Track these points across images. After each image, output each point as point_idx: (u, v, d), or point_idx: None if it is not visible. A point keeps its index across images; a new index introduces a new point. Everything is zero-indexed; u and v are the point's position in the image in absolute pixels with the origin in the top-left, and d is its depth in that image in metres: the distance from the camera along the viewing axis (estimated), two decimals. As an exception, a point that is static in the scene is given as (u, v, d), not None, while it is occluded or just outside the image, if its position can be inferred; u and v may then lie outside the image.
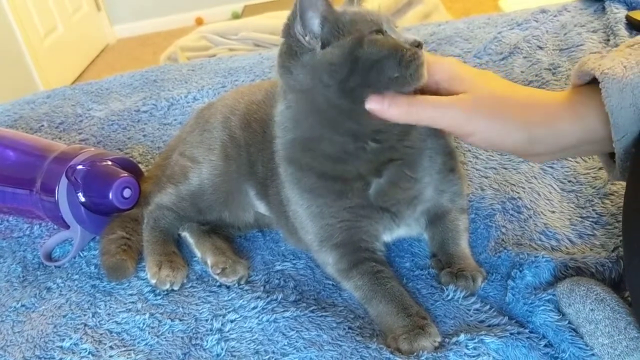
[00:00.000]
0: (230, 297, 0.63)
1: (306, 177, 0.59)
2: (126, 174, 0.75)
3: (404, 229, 0.65)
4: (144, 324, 0.62)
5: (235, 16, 3.89)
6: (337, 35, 0.54)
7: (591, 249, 0.60)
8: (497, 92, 0.53)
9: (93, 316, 0.64)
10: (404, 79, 0.53)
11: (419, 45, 0.54)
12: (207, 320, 0.60)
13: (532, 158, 0.56)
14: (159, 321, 0.62)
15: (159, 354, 0.58)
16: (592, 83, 0.50)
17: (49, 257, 0.77)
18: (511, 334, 0.52)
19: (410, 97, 0.53)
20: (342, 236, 0.61)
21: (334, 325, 0.57)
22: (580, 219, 0.64)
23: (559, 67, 0.93)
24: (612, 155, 0.54)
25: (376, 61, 0.52)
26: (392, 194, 0.59)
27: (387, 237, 0.65)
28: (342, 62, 0.53)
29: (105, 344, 0.60)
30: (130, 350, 0.59)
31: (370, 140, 0.57)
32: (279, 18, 2.18)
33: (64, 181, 0.74)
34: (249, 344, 0.57)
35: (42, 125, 1.10)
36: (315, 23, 0.54)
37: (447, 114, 0.53)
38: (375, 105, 0.53)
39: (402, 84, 0.53)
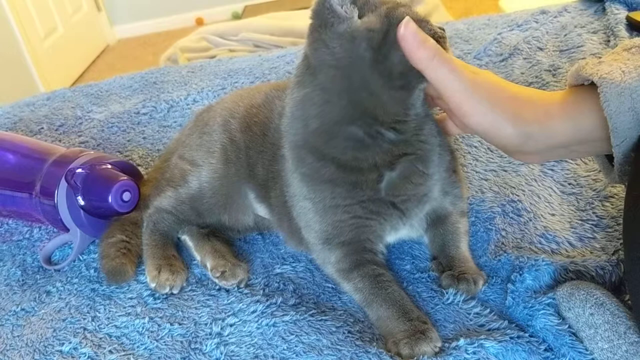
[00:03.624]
0: (229, 301, 0.63)
1: (325, 167, 0.59)
2: (125, 177, 0.75)
3: (407, 230, 0.65)
4: (143, 328, 0.62)
5: (236, 16, 3.89)
6: (370, 9, 0.55)
7: (591, 252, 0.60)
8: (496, 83, 0.54)
9: (92, 320, 0.64)
10: None
11: (443, 30, 0.56)
12: (206, 324, 0.60)
13: (523, 157, 0.56)
14: (159, 325, 0.61)
15: (159, 358, 0.57)
16: (589, 84, 0.50)
17: (49, 260, 0.77)
18: (511, 338, 0.52)
19: (439, 48, 0.53)
20: (350, 234, 0.61)
21: (334, 329, 0.57)
22: (580, 222, 0.64)
23: (559, 68, 0.93)
24: (609, 157, 0.54)
25: None
26: (403, 189, 0.59)
27: (391, 238, 0.65)
28: (380, 27, 0.53)
29: (104, 348, 0.60)
30: (130, 354, 0.59)
31: (389, 128, 0.57)
32: (278, 19, 2.18)
33: (63, 184, 0.74)
34: (248, 348, 0.56)
35: (42, 128, 1.10)
36: None
37: (456, 81, 0.53)
38: (409, 32, 0.52)
39: None
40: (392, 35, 0.53)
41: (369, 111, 0.56)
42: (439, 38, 0.54)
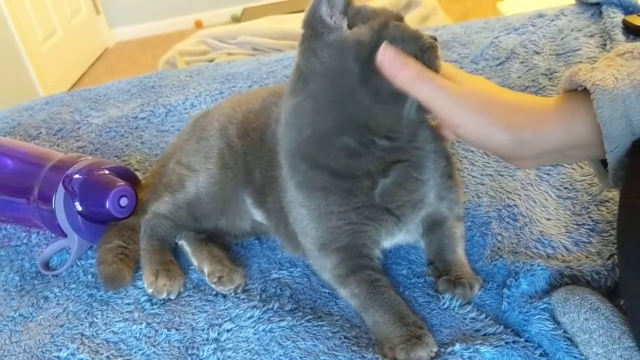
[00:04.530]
0: (226, 306, 0.63)
1: (319, 175, 0.59)
2: (123, 183, 0.75)
3: (403, 235, 0.65)
4: (140, 333, 0.62)
5: (235, 19, 3.90)
6: (362, 19, 0.55)
7: (587, 257, 0.60)
8: (486, 92, 0.54)
9: (90, 326, 0.64)
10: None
11: (435, 39, 0.55)
12: (203, 330, 0.61)
13: (517, 162, 0.56)
14: (156, 331, 0.62)
15: (156, 364, 0.58)
16: (582, 90, 0.51)
17: (47, 266, 0.77)
18: (506, 343, 0.52)
19: (421, 66, 0.53)
20: (346, 240, 0.61)
21: (330, 334, 0.57)
22: (576, 227, 0.64)
23: (556, 72, 0.93)
24: (604, 162, 0.54)
25: (399, 42, 0.53)
26: (397, 195, 0.60)
27: (387, 243, 0.65)
28: (369, 40, 0.53)
29: (102, 354, 0.60)
30: (127, 360, 0.59)
31: (382, 137, 0.57)
32: (277, 22, 2.19)
33: (61, 190, 0.74)
34: (245, 354, 0.57)
35: (40, 133, 1.11)
36: (340, 4, 0.55)
37: (442, 97, 0.53)
38: (388, 58, 0.53)
39: None
40: None
41: (361, 122, 0.56)
42: (427, 49, 0.54)
